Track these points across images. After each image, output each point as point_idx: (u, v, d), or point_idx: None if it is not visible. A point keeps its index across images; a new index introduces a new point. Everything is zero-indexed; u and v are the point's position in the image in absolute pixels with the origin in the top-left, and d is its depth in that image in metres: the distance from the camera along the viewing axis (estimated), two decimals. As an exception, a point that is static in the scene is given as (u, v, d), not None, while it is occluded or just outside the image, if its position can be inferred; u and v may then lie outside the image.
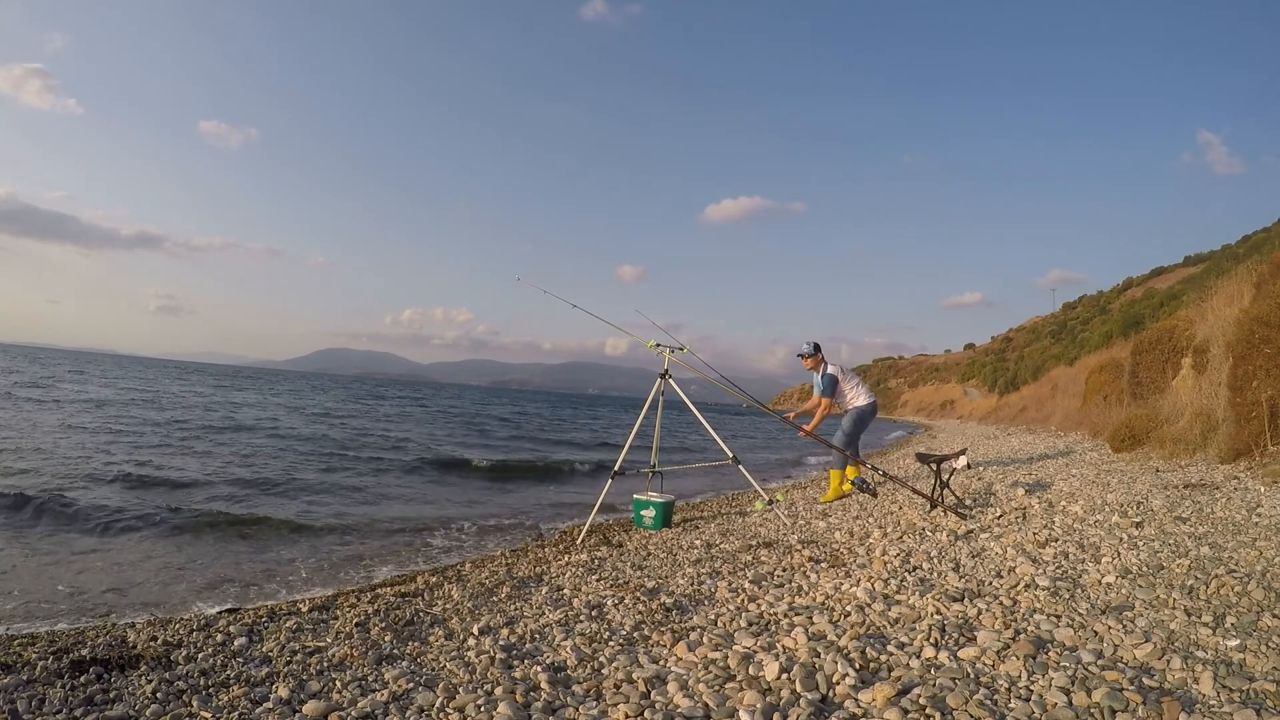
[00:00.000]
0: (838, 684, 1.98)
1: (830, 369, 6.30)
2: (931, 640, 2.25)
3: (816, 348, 6.36)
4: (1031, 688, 1.87)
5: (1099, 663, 1.99)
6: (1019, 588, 2.74)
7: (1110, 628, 2.24)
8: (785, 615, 2.66)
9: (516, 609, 3.04)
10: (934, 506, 4.61)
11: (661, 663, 2.28)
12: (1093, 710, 1.72)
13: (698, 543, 4.40)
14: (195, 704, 2.02)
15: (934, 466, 4.93)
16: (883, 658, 2.14)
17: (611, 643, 2.50)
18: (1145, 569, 2.85)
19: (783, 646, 2.33)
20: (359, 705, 1.99)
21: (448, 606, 3.12)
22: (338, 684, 2.16)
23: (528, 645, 2.52)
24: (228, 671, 2.29)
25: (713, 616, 2.76)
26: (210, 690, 2.14)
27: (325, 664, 2.35)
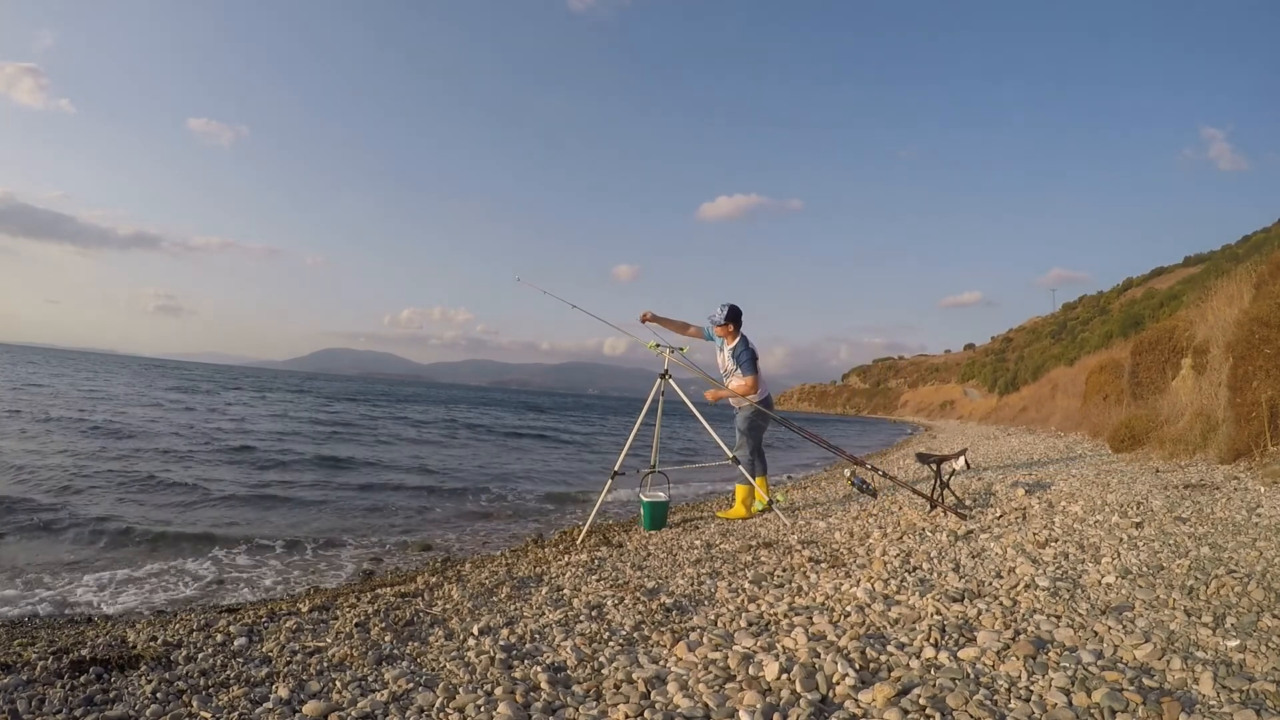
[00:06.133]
0: (838, 684, 1.98)
1: (751, 342, 5.40)
2: (931, 640, 2.25)
3: (735, 313, 5.40)
4: (1031, 688, 1.87)
5: (1099, 663, 1.99)
6: (1019, 588, 2.74)
7: (1110, 628, 2.24)
8: (785, 615, 2.66)
9: (516, 609, 3.04)
10: (934, 507, 4.61)
11: (661, 663, 2.28)
12: (1093, 710, 1.72)
13: (698, 543, 4.40)
14: (195, 704, 2.02)
15: (934, 467, 4.93)
16: (883, 658, 2.14)
17: (611, 643, 2.50)
18: (1145, 569, 2.85)
19: (783, 647, 2.33)
20: (359, 705, 1.99)
21: (448, 606, 3.11)
22: (338, 684, 2.16)
23: (528, 645, 2.52)
24: (228, 671, 2.29)
25: (713, 617, 2.76)
26: (210, 690, 2.14)
27: (325, 664, 2.35)
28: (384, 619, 2.88)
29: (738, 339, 5.45)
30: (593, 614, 2.88)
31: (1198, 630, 2.16)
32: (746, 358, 5.37)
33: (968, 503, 4.85)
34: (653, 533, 5.11)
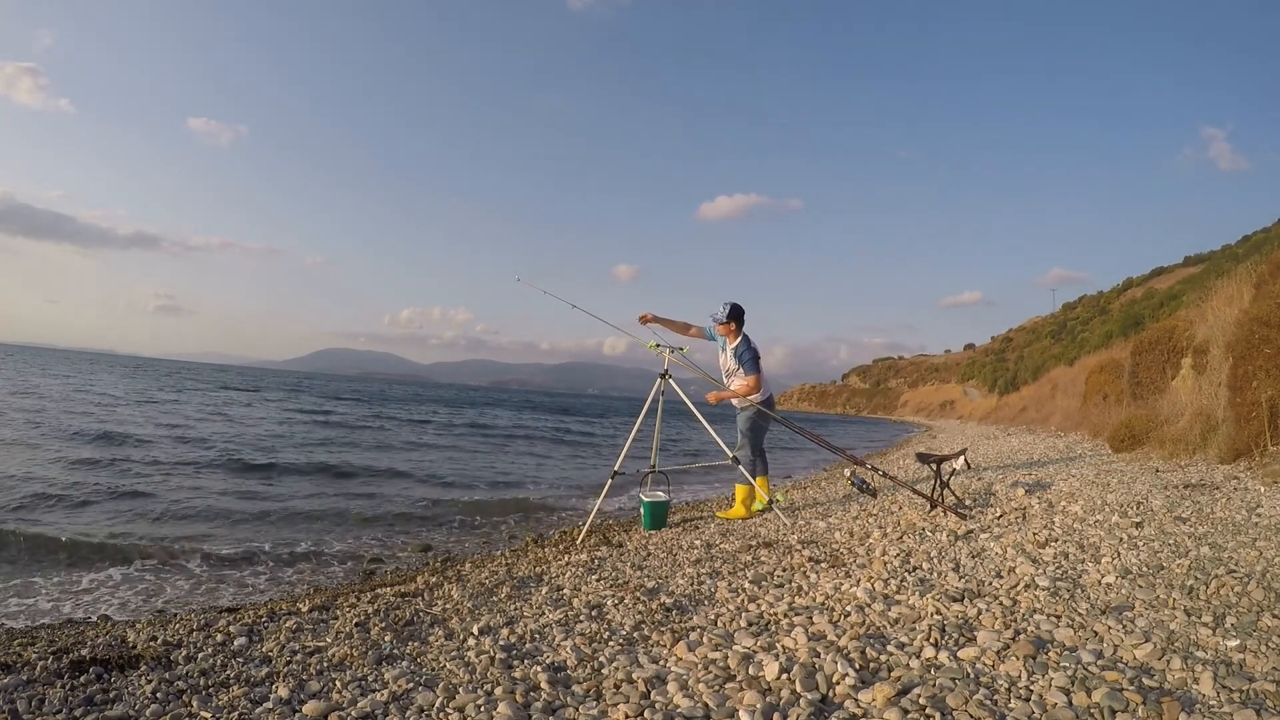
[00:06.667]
0: (838, 684, 1.98)
1: (753, 342, 5.42)
2: (931, 640, 2.25)
3: (738, 311, 5.43)
4: (1031, 688, 1.87)
5: (1099, 663, 1.99)
6: (1019, 588, 2.74)
7: (1110, 628, 2.24)
8: (785, 615, 2.66)
9: (516, 609, 3.04)
10: (934, 507, 4.61)
11: (661, 663, 2.28)
12: (1093, 710, 1.72)
13: (698, 543, 4.40)
14: (195, 704, 2.02)
15: (934, 467, 4.93)
16: (883, 658, 2.14)
17: (611, 643, 2.50)
18: (1145, 569, 2.85)
19: (783, 646, 2.33)
20: (359, 705, 1.99)
21: (448, 606, 3.12)
22: (338, 684, 2.16)
23: (528, 645, 2.52)
24: (228, 671, 2.29)
25: (713, 616, 2.76)
26: (210, 690, 2.14)
27: (325, 664, 2.35)
28: (384, 619, 2.88)
29: (740, 338, 5.44)
30: (593, 614, 2.88)
31: (1198, 630, 2.16)
32: (749, 357, 5.36)
33: (968, 503, 4.85)
34: (653, 532, 5.11)
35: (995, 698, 1.83)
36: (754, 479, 5.35)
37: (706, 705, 1.91)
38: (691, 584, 3.31)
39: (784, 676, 2.05)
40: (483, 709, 1.95)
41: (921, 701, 1.81)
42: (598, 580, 3.51)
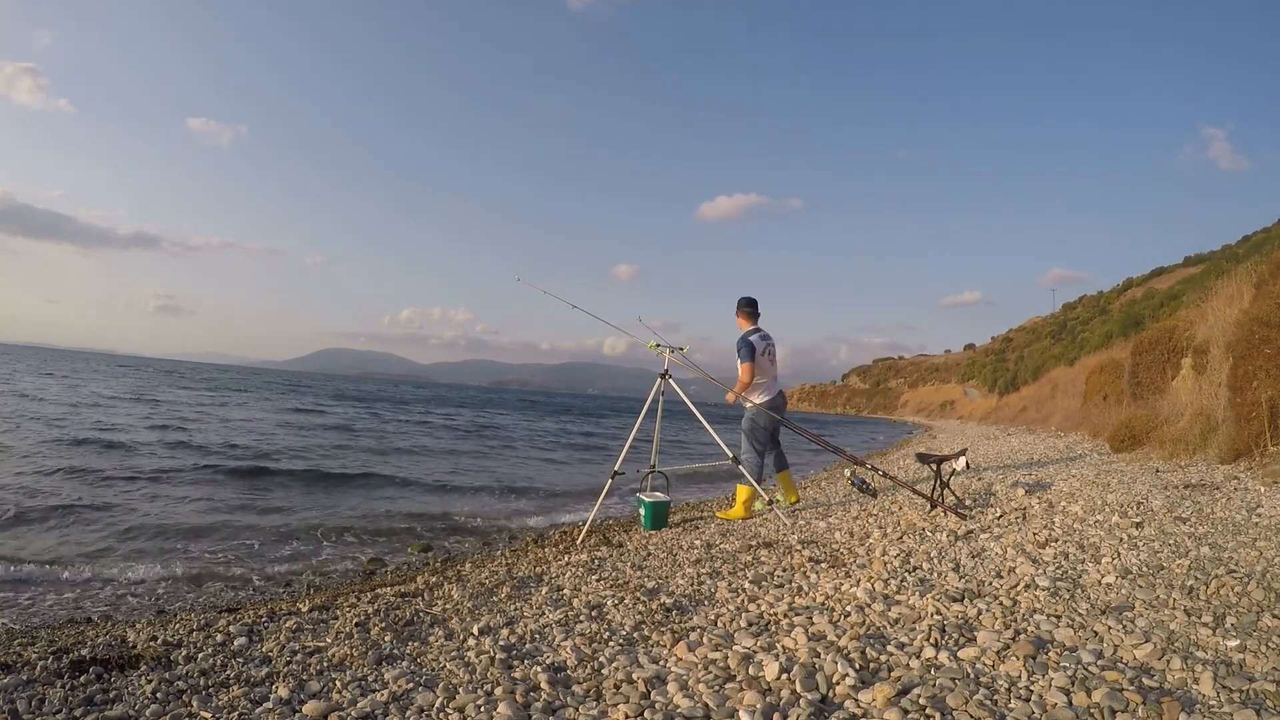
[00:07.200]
0: (838, 684, 1.98)
1: (754, 336, 5.40)
2: (931, 640, 2.25)
3: (742, 301, 5.56)
4: (1031, 688, 1.87)
5: (1099, 663, 1.99)
6: (1019, 588, 2.74)
7: (1110, 628, 2.24)
8: (785, 615, 2.66)
9: (516, 609, 3.04)
10: (934, 507, 4.61)
11: (661, 663, 2.28)
12: (1093, 710, 1.72)
13: (698, 543, 4.40)
14: (195, 704, 2.02)
15: (934, 467, 4.93)
16: (883, 658, 2.14)
17: (611, 643, 2.50)
18: (1145, 569, 2.85)
19: (783, 647, 2.33)
20: (359, 705, 1.99)
21: (448, 606, 3.12)
22: (338, 684, 2.17)
23: (528, 645, 2.52)
24: (228, 671, 2.29)
25: (713, 617, 2.76)
26: (210, 690, 2.14)
27: (325, 664, 2.35)
28: (384, 619, 2.88)
29: (748, 330, 5.49)
30: (593, 614, 2.88)
31: (1198, 630, 2.16)
32: (740, 345, 5.40)
33: (968, 503, 4.85)
34: (653, 533, 5.11)
35: (995, 698, 1.83)
36: (757, 481, 5.33)
37: (706, 705, 1.91)
38: (691, 584, 3.31)
39: (784, 676, 2.05)
40: (483, 709, 1.95)
41: (921, 702, 1.81)
42: (598, 580, 3.51)
